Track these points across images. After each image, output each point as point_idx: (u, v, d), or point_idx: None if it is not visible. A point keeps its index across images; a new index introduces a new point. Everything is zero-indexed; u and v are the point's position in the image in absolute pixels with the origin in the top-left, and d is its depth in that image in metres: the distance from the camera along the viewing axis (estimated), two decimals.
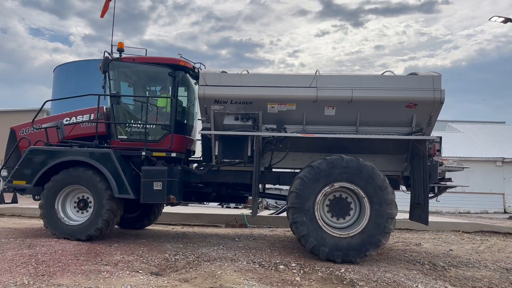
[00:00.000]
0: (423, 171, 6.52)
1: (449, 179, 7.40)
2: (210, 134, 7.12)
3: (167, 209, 11.97)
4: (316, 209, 6.28)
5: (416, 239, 9.56)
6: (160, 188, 7.01)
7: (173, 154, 7.36)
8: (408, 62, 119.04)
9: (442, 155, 7.37)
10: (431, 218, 13.35)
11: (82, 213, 7.32)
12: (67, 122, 7.79)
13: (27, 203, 12.75)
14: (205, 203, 15.39)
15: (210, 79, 6.81)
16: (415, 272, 6.05)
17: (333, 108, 6.70)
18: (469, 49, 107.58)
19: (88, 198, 7.32)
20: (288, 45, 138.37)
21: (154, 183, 7.02)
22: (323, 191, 6.30)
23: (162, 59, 7.81)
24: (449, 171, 7.38)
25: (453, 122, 37.47)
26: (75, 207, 7.36)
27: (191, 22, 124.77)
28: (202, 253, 6.50)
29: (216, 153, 7.11)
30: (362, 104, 6.63)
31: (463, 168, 7.33)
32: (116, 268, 5.26)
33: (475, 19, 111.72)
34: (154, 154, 7.35)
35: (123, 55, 7.85)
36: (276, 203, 16.79)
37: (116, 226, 8.94)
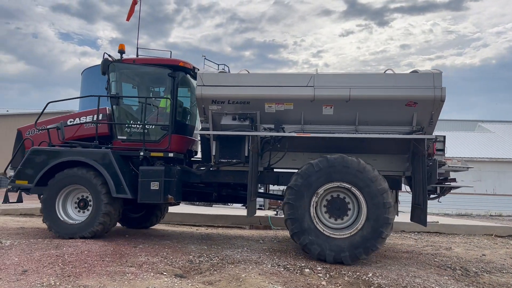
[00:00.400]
0: (422, 171, 6.36)
1: (453, 179, 7.14)
2: (209, 134, 7.14)
3: (190, 210, 12.03)
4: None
5: (446, 243, 9.26)
6: (157, 188, 7.08)
7: (171, 154, 7.43)
8: (435, 61, 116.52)
9: (447, 155, 7.21)
10: (461, 222, 13.02)
11: (83, 212, 7.46)
12: (71, 123, 7.94)
13: None
14: (229, 204, 15.41)
15: (207, 79, 6.86)
16: (446, 277, 5.83)
17: (331, 107, 6.63)
18: (499, 47, 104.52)
19: (88, 198, 7.43)
20: (312, 45, 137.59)
21: (151, 183, 7.10)
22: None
23: (162, 60, 7.88)
24: (453, 171, 7.15)
25: (484, 122, 36.41)
26: (76, 207, 7.53)
27: (215, 24, 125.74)
28: (226, 255, 6.45)
29: (214, 153, 7.18)
30: (360, 103, 6.55)
31: (467, 168, 7.11)
32: (141, 269, 5.26)
33: (505, 16, 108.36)
34: (152, 154, 7.42)
35: (143, 57, 7.97)
36: None
37: (120, 225, 9.39)
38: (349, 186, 6.20)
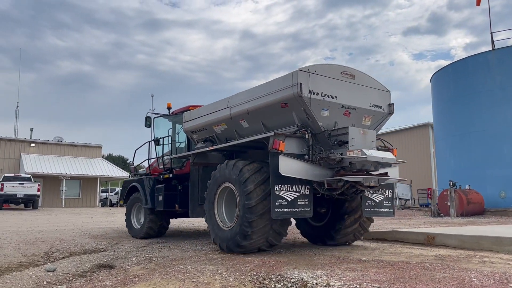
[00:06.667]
0: (270, 168, 6.35)
1: (385, 174, 6.64)
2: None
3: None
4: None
5: None
6: (161, 200, 9.22)
7: (171, 175, 9.58)
8: None
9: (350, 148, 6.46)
10: None
11: None
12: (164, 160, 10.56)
13: (412, 223, 10.64)
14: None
15: (187, 116, 8.73)
16: None
17: (244, 121, 7.37)
18: None
19: None
20: None
21: (159, 196, 9.32)
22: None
23: (181, 108, 9.77)
24: (352, 162, 6.41)
25: None
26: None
27: None
28: None
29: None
30: (256, 113, 7.06)
31: (366, 158, 6.11)
32: None
33: None
34: (165, 176, 9.64)
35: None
36: None
37: None
38: (233, 186, 6.73)
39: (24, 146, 36.26)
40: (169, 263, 6.94)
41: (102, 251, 8.62)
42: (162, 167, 9.98)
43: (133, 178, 11.11)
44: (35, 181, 28.04)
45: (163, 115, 10.40)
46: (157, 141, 10.27)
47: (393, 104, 7.52)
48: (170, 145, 10.10)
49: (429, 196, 20.48)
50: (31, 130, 41.87)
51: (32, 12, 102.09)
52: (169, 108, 10.40)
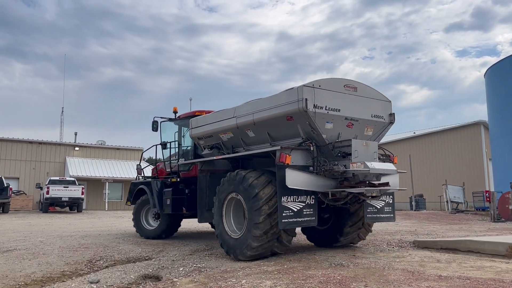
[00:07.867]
0: (277, 180, 6.54)
1: (386, 184, 6.83)
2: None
3: None
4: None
5: None
6: (169, 203, 9.57)
7: (178, 179, 9.96)
8: None
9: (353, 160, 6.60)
10: None
11: (157, 221, 10.60)
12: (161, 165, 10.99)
13: (475, 229, 9.50)
14: None
15: (194, 122, 9.04)
16: None
17: (250, 131, 7.58)
18: None
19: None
20: None
21: (167, 199, 9.65)
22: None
23: (187, 113, 10.17)
24: (355, 174, 6.59)
25: None
26: (153, 218, 10.75)
27: None
28: None
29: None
30: (262, 124, 7.27)
31: (368, 170, 6.32)
32: None
33: None
34: (172, 180, 9.96)
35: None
36: None
37: None
38: (242, 198, 6.86)
39: (68, 149, 37.06)
40: (219, 275, 6.34)
41: (146, 260, 8.17)
42: (169, 170, 10.29)
43: (140, 180, 11.42)
44: (79, 185, 28.43)
45: (170, 119, 10.61)
46: (164, 145, 10.52)
47: (393, 113, 7.71)
48: (176, 148, 10.37)
49: (488, 199, 18.99)
50: (75, 134, 43.06)
51: (76, 21, 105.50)
52: (175, 112, 10.69)
